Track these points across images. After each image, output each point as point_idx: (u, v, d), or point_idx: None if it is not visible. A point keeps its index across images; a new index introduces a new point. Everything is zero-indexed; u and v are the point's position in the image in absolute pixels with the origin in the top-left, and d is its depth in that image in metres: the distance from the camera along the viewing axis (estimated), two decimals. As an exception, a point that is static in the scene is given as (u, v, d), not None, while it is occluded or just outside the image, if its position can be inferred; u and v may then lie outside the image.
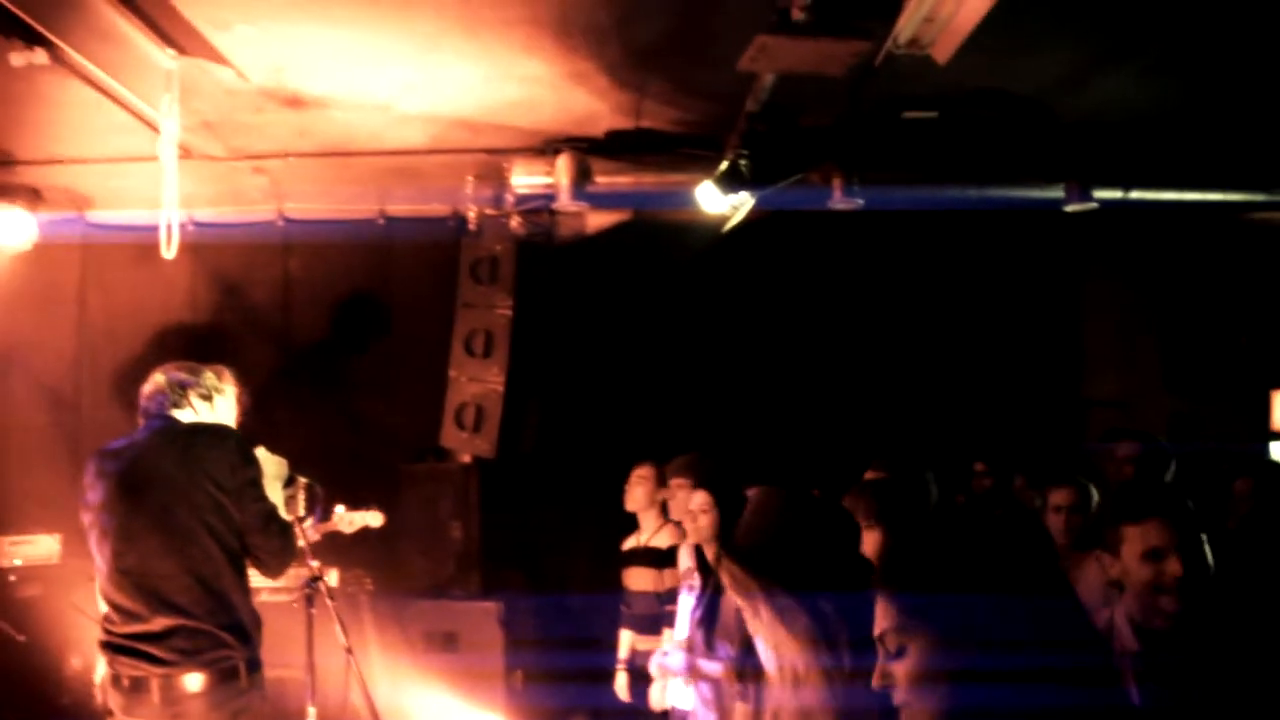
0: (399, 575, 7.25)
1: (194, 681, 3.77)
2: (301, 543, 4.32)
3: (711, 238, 6.41)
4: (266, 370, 7.72)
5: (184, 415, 4.08)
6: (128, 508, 3.90)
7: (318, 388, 7.75)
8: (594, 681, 6.54)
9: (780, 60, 4.26)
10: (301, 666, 6.34)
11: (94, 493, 3.99)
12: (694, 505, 4.93)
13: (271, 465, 4.19)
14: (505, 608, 7.11)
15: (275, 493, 4.15)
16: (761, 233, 6.36)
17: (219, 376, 4.19)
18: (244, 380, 7.22)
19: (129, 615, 3.85)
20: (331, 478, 7.10)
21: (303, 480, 4.40)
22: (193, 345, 7.66)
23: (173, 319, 7.65)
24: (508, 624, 7.10)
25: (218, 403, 4.15)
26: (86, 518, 4.03)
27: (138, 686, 3.80)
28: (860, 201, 6.19)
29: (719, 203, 5.79)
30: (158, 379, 4.12)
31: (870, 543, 3.87)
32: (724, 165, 5.64)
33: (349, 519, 4.96)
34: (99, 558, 3.96)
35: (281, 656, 6.03)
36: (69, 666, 6.74)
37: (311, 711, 4.67)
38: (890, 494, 4.25)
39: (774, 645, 2.68)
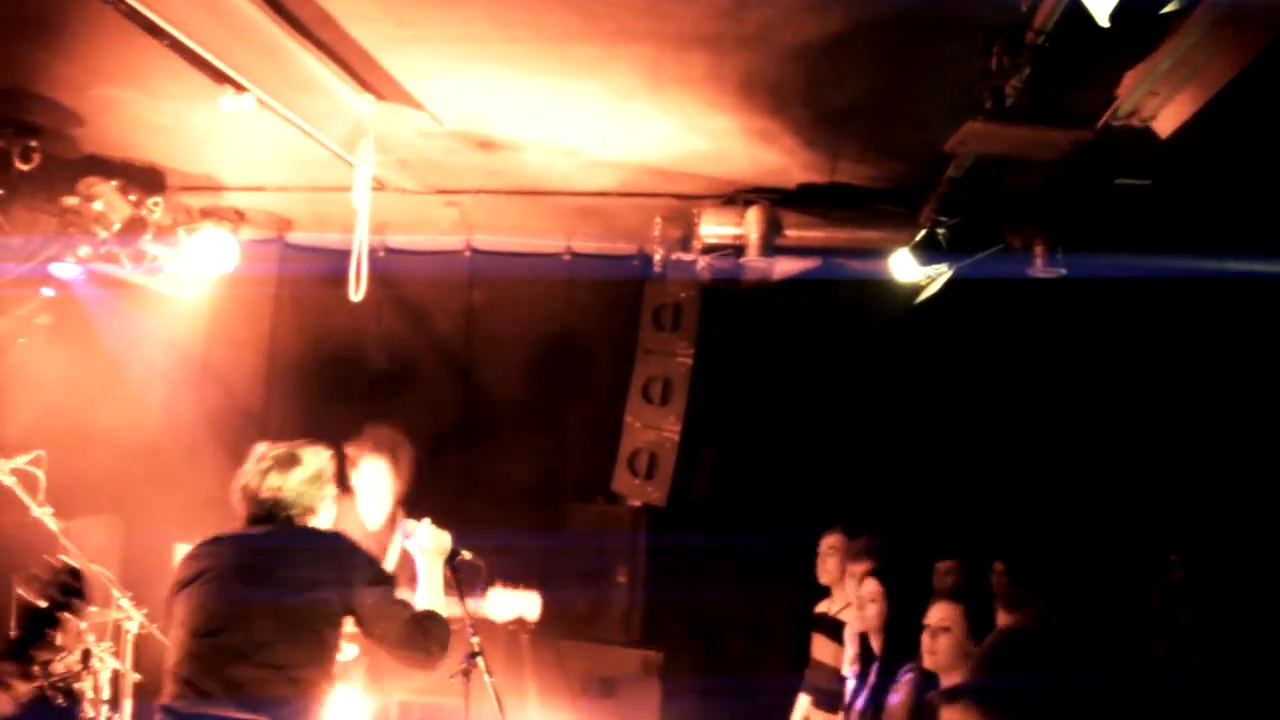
0: (561, 616, 7.20)
1: None
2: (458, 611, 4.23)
3: (903, 299, 6.14)
4: (447, 399, 7.80)
5: (314, 521, 4.03)
6: (247, 592, 3.78)
7: (493, 418, 7.78)
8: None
9: (991, 145, 4.02)
10: (454, 695, 6.38)
11: (201, 565, 3.90)
12: (864, 593, 4.76)
13: (436, 541, 4.13)
14: (665, 658, 6.99)
15: (436, 569, 4.10)
16: (956, 294, 6.05)
17: (318, 455, 4.03)
18: (426, 411, 7.42)
19: (203, 695, 3.69)
20: (499, 511, 7.18)
21: (466, 555, 4.33)
22: (377, 371, 7.83)
23: (359, 343, 7.79)
24: (666, 675, 6.98)
25: (330, 488, 4.09)
26: (187, 589, 3.87)
27: None
28: (1063, 270, 5.85)
29: (914, 272, 5.55)
30: (282, 490, 3.96)
31: None
32: (921, 234, 5.40)
33: (504, 600, 4.83)
34: (188, 627, 3.80)
35: (435, 685, 6.08)
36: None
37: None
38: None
39: None
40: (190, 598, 3.84)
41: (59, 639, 2.72)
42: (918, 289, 5.91)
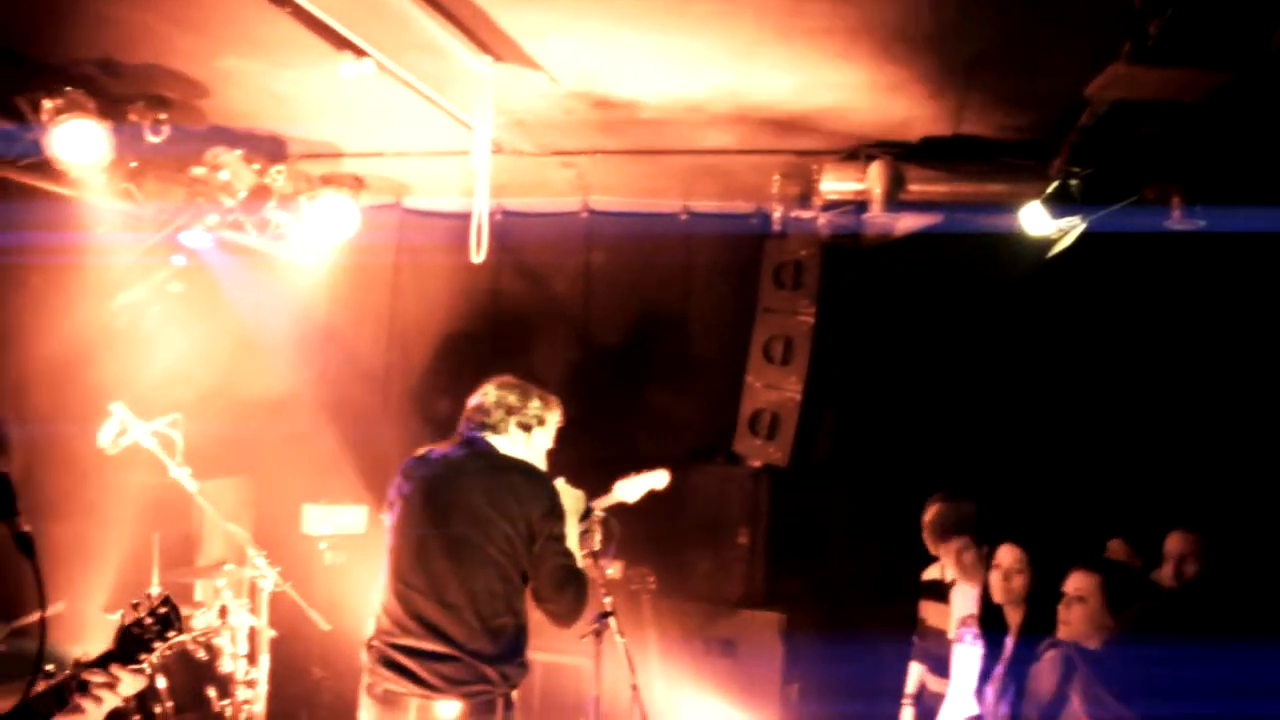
0: (682, 575, 7.21)
1: (450, 710, 3.77)
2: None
3: (1033, 254, 5.94)
4: (565, 359, 7.83)
5: (499, 441, 4.07)
6: (428, 526, 3.93)
7: (612, 379, 7.78)
8: (872, 701, 6.31)
9: (1133, 89, 3.86)
10: (579, 654, 6.44)
11: (400, 497, 4.05)
12: (1005, 563, 4.66)
13: (569, 499, 4.14)
14: (787, 619, 6.95)
15: (571, 527, 4.10)
16: (1090, 249, 5.83)
17: (545, 404, 4.15)
18: (545, 371, 7.46)
19: (402, 629, 3.88)
20: (619, 472, 7.19)
21: (599, 515, 4.35)
22: (496, 333, 7.89)
23: (478, 306, 7.85)
24: (788, 635, 6.94)
25: (536, 434, 4.11)
26: (389, 518, 4.09)
27: (393, 702, 3.84)
28: (1202, 223, 5.59)
29: (1045, 225, 5.35)
30: (487, 395, 4.11)
31: None
32: (1053, 186, 5.20)
33: (630, 485, 4.77)
34: (388, 563, 4.01)
35: (560, 643, 6.13)
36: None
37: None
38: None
39: None
40: (393, 527, 4.02)
41: (147, 663, 2.84)
42: (1049, 243, 5.70)
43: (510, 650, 3.85)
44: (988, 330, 6.83)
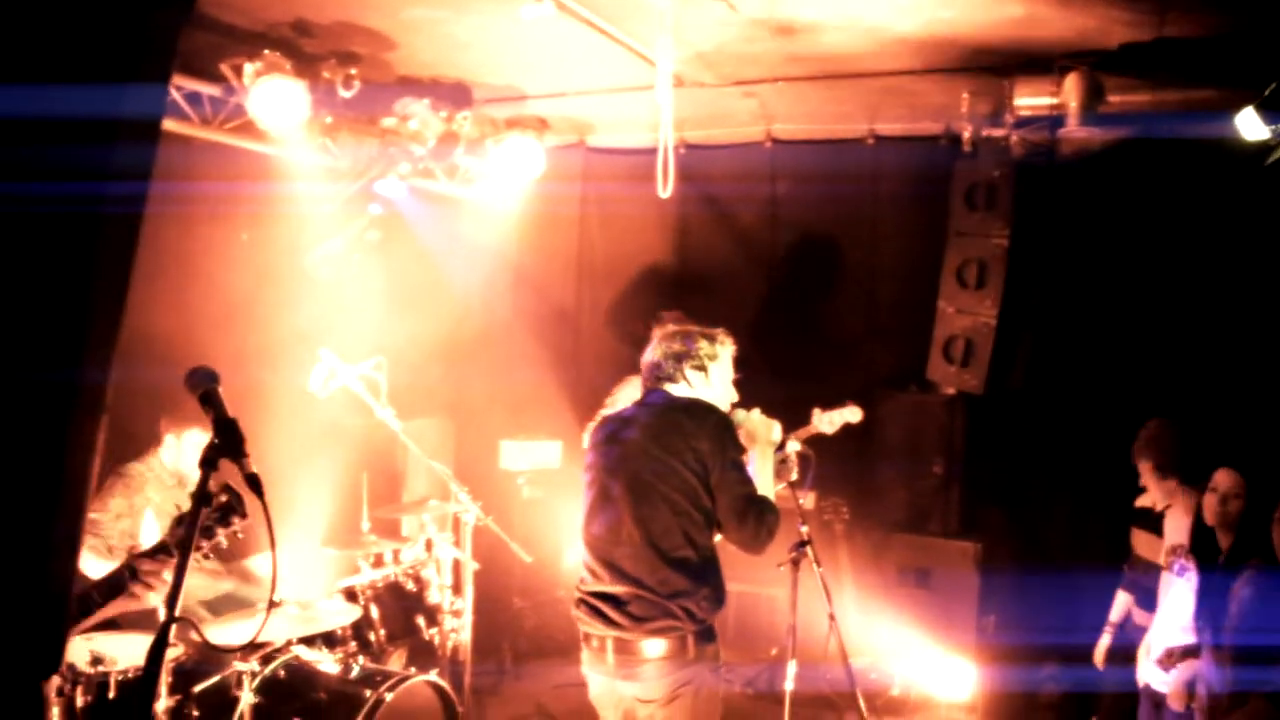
0: (876, 506, 7.15)
1: (641, 648, 3.85)
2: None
3: (1247, 163, 5.57)
4: (753, 291, 7.81)
5: (679, 389, 4.11)
6: (607, 476, 4.03)
7: (802, 309, 7.73)
8: (1070, 634, 6.15)
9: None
10: (774, 584, 6.49)
11: (590, 455, 4.17)
12: (1222, 487, 4.47)
13: (763, 430, 4.14)
14: (983, 549, 6.82)
15: (765, 458, 4.11)
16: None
17: (712, 341, 4.16)
18: (733, 303, 7.45)
19: (594, 575, 4.02)
20: (810, 399, 7.17)
21: (796, 447, 4.34)
22: (683, 267, 7.91)
23: (664, 240, 7.88)
24: (984, 566, 6.81)
25: (712, 371, 4.12)
26: (584, 477, 4.20)
27: (596, 645, 3.97)
28: None
29: (1262, 131, 5.00)
30: (655, 351, 4.16)
31: None
32: (1271, 87, 4.85)
33: (828, 419, 4.77)
34: (581, 521, 4.13)
35: (755, 573, 6.18)
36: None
37: (792, 666, 4.65)
38: None
39: None
40: (587, 483, 4.14)
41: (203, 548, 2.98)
42: (1265, 151, 5.33)
43: (695, 584, 3.87)
44: (1194, 247, 6.46)
